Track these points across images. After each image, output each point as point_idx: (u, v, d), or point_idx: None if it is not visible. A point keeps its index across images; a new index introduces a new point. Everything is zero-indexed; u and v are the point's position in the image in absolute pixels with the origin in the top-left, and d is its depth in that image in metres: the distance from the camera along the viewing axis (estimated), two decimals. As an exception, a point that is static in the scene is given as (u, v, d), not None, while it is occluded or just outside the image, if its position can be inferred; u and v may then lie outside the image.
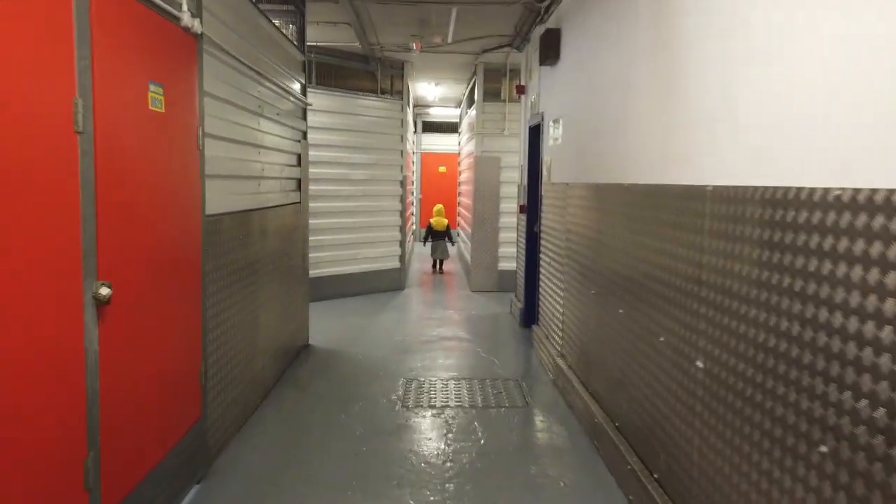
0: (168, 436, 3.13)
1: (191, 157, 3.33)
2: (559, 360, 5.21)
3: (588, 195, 4.52)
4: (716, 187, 2.52)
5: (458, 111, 15.06)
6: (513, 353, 6.39)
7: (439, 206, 11.80)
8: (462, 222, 12.74)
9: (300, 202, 6.09)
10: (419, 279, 11.07)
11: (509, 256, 9.59)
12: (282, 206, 5.42)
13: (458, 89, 12.39)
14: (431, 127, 16.77)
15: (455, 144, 15.27)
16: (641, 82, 3.48)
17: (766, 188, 2.15)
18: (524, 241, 7.42)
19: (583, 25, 4.83)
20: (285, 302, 5.57)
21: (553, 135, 5.83)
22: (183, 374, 3.32)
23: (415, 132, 16.16)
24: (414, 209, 16.41)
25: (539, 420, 4.60)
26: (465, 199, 11.83)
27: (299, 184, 6.07)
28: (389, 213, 9.57)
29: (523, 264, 7.54)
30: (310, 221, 8.46)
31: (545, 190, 6.17)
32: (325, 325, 7.32)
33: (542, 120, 6.34)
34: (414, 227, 16.30)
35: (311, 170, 8.44)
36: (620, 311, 3.69)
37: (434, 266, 11.97)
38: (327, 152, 8.66)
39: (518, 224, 8.06)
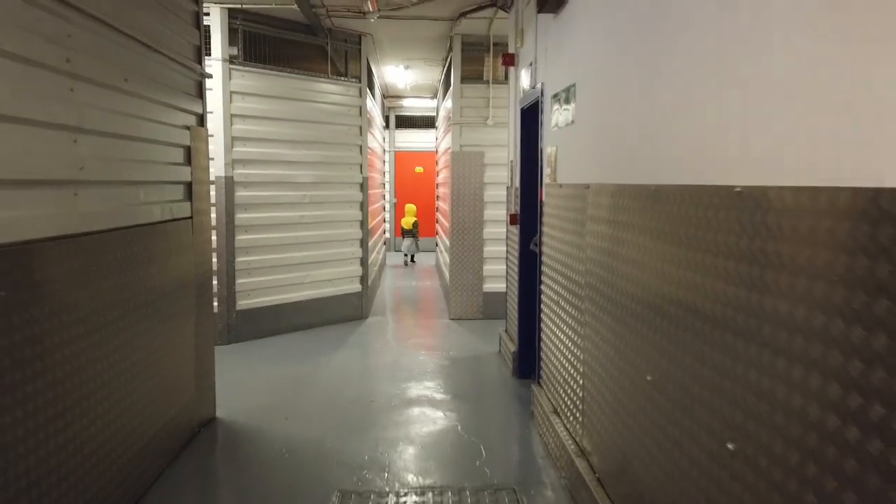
0: None
1: None
2: (577, 460, 3.36)
3: (629, 205, 2.67)
4: None
5: (434, 103, 13.20)
6: (505, 432, 4.51)
7: (410, 206, 13.32)
8: (440, 231, 10.87)
9: (192, 216, 4.18)
10: (391, 301, 9.18)
11: (496, 276, 7.73)
12: (150, 224, 3.53)
13: (432, 74, 10.53)
14: (406, 122, 14.88)
15: (432, 141, 13.41)
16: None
17: None
18: (517, 260, 5.57)
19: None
20: (164, 362, 3.67)
21: (559, 116, 3.98)
22: None
23: (386, 127, 14.28)
24: (387, 215, 14.51)
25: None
26: (443, 204, 9.98)
27: (190, 190, 4.16)
28: (347, 224, 7.67)
29: (515, 291, 5.69)
30: (238, 238, 6.56)
31: (548, 194, 4.33)
32: (251, 380, 5.41)
33: (542, 96, 4.49)
34: (387, 234, 14.41)
35: (240, 171, 6.54)
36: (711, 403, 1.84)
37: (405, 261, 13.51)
38: (262, 147, 6.75)
39: (508, 238, 6.20)
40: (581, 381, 3.42)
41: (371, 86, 9.12)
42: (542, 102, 4.50)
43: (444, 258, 9.46)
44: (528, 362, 5.41)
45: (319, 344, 6.65)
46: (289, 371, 5.73)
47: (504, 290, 7.51)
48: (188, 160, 4.15)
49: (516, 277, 5.71)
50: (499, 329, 6.79)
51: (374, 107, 9.64)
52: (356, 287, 7.81)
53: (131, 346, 3.29)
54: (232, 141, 6.51)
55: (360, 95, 7.75)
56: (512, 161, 5.85)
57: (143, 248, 3.44)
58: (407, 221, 13.18)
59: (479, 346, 6.60)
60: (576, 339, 3.56)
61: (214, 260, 6.42)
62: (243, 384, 5.35)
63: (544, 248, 4.43)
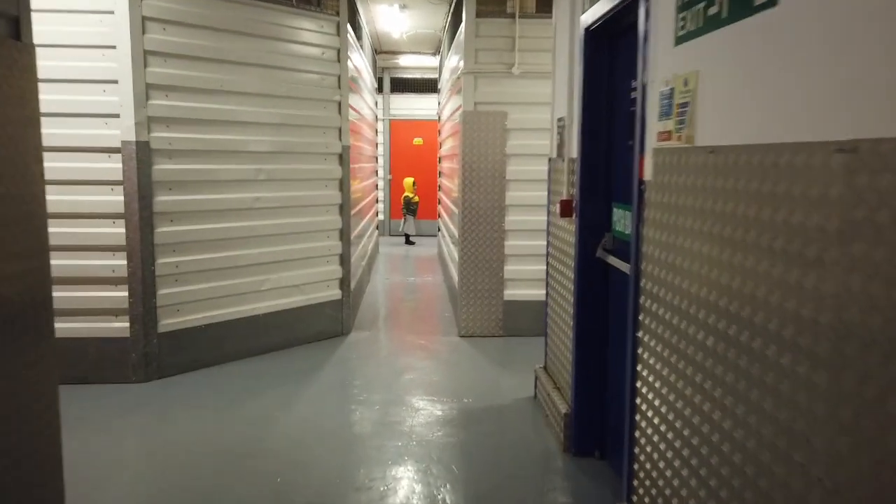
0: None
1: None
2: None
3: None
4: None
5: (436, 61, 11.11)
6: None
7: (408, 180, 12.06)
8: (444, 215, 8.87)
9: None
10: (382, 305, 7.20)
11: (523, 280, 5.76)
12: None
13: (434, 19, 8.45)
14: (403, 85, 12.77)
15: (434, 108, 11.36)
16: None
17: None
18: (570, 272, 3.58)
19: None
20: None
21: (703, 8, 1.97)
22: None
23: (379, 91, 12.20)
24: (382, 195, 12.51)
25: None
26: (448, 183, 7.97)
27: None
28: (321, 210, 5.66)
29: (566, 316, 3.72)
30: (159, 231, 4.57)
31: (664, 167, 2.31)
32: (149, 462, 3.46)
33: (642, -11, 2.47)
34: (381, 216, 12.44)
35: (160, 134, 4.54)
36: None
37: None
38: (194, 100, 4.72)
39: (552, 235, 4.19)
40: None
41: (356, 28, 7.05)
42: None
43: (450, 251, 7.47)
44: (589, 433, 3.46)
45: (277, 381, 4.69)
46: (220, 438, 3.77)
47: (533, 298, 5.57)
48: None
49: (565, 295, 3.73)
50: (530, 358, 4.83)
51: (361, 58, 7.57)
52: (334, 294, 5.82)
53: None
54: (146, 90, 4.47)
55: (339, 34, 5.69)
56: (562, 120, 3.83)
57: None
58: (408, 196, 12.02)
59: (504, 384, 4.64)
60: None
61: (121, 262, 4.44)
62: (133, 471, 3.40)
63: (649, 267, 2.44)
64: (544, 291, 5.65)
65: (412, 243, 11.96)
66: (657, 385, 2.34)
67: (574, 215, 3.50)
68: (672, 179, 2.19)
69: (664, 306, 2.28)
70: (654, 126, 2.34)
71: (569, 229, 3.62)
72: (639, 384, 2.52)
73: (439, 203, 10.03)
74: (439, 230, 10.16)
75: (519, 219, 5.72)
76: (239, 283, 5.09)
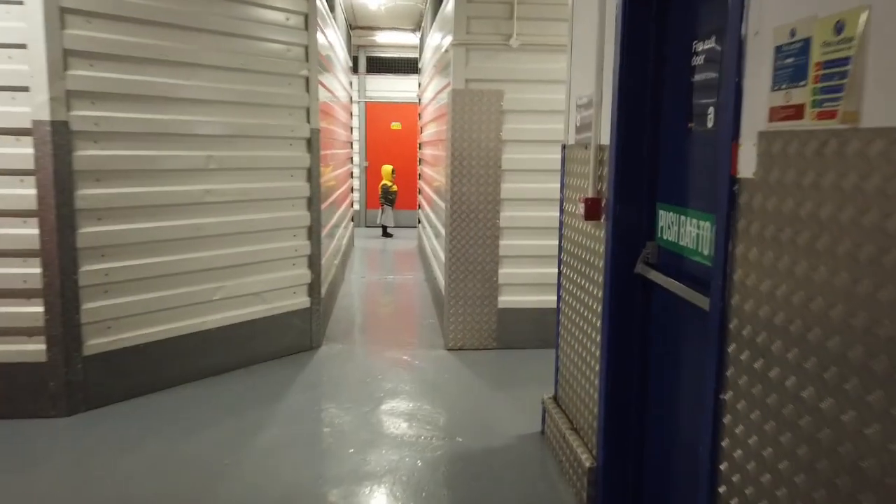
0: None
1: None
2: None
3: None
4: None
5: (416, 38, 10.27)
6: None
7: (386, 168, 11.09)
8: (426, 207, 8.07)
9: None
10: (357, 310, 6.40)
11: (519, 284, 5.02)
12: None
13: (417, -10, 7.61)
14: (380, 65, 11.89)
15: (414, 91, 10.53)
16: None
17: None
18: (605, 291, 2.81)
19: None
20: None
21: None
22: None
23: (354, 71, 11.33)
24: (358, 183, 11.68)
25: None
26: (431, 172, 7.18)
27: None
28: (285, 204, 4.83)
29: (587, 342, 2.98)
30: (82, 231, 3.73)
31: (793, 157, 1.55)
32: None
33: None
34: (357, 206, 11.62)
35: (82, 112, 3.67)
36: None
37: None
38: (125, 72, 3.85)
39: (566, 239, 3.41)
40: None
41: (328, -5, 6.20)
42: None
43: (434, 248, 6.70)
44: (621, 495, 2.72)
45: (231, 412, 3.88)
46: (153, 492, 2.96)
47: (532, 306, 4.86)
48: None
49: (585, 314, 2.99)
50: (531, 377, 4.12)
51: (334, 32, 6.72)
52: (301, 301, 5.01)
53: None
54: (64, 57, 3.60)
55: (307, -3, 4.84)
56: (585, 99, 3.06)
57: None
58: (385, 184, 11.04)
59: (503, 415, 3.88)
60: None
61: (34, 271, 3.59)
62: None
63: (746, 303, 1.68)
64: (544, 298, 4.94)
65: (390, 235, 11.16)
66: (756, 472, 1.60)
67: (604, 218, 2.74)
68: (798, 177, 1.44)
69: (773, 361, 1.54)
70: (762, 99, 1.58)
71: (595, 235, 2.86)
72: (724, 466, 1.78)
73: (420, 192, 9.23)
74: (419, 222, 9.38)
75: (516, 214, 4.96)
76: (185, 292, 4.25)
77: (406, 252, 9.85)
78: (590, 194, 2.85)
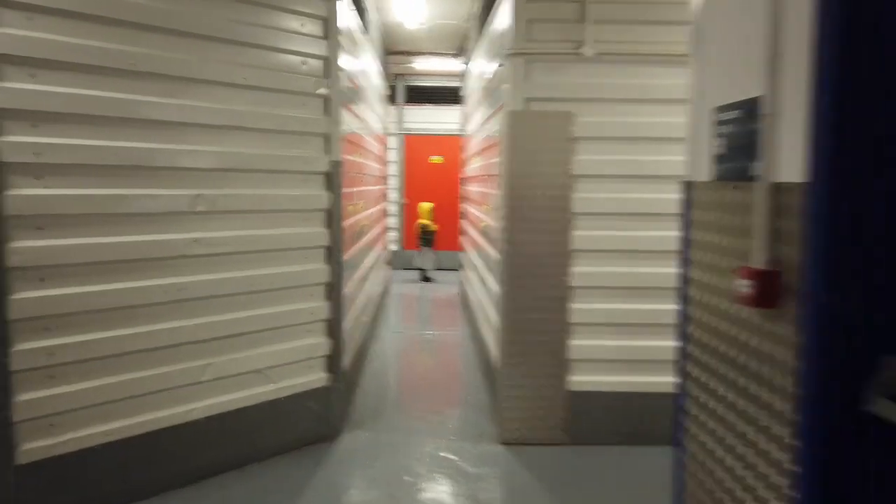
0: None
1: None
2: None
3: None
4: None
5: (459, 66, 9.35)
6: None
7: (423, 205, 10.12)
8: (471, 253, 7.00)
9: None
10: (389, 381, 5.30)
11: (598, 360, 3.87)
12: None
13: (459, 5, 6.68)
14: (420, 95, 10.99)
15: (457, 122, 9.58)
16: None
17: None
18: (805, 438, 1.66)
19: None
20: None
21: None
22: None
23: (392, 102, 10.46)
24: (392, 221, 10.71)
25: None
26: (477, 211, 6.13)
27: None
28: (296, 256, 3.81)
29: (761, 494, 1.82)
30: (19, 296, 2.73)
31: None
32: None
33: None
34: (394, 246, 10.64)
35: (24, 138, 2.69)
36: None
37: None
38: (84, 86, 2.89)
39: (702, 322, 2.26)
40: None
41: (360, 11, 5.29)
42: None
43: (480, 301, 5.60)
44: None
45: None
46: None
47: (615, 389, 3.74)
48: None
49: (737, 446, 1.84)
50: (624, 495, 2.96)
51: (365, 49, 5.79)
52: (317, 379, 3.94)
53: None
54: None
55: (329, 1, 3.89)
56: (739, 109, 1.96)
57: None
58: (423, 224, 10.01)
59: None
60: None
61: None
62: None
63: None
64: (630, 379, 3.80)
65: (429, 280, 10.10)
66: None
67: (795, 307, 1.61)
68: None
69: None
70: None
71: (766, 329, 1.73)
72: None
73: (463, 234, 8.18)
74: (462, 266, 8.31)
75: (592, 270, 3.84)
76: (162, 373, 3.23)
77: (447, 300, 8.77)
78: (756, 264, 1.73)
